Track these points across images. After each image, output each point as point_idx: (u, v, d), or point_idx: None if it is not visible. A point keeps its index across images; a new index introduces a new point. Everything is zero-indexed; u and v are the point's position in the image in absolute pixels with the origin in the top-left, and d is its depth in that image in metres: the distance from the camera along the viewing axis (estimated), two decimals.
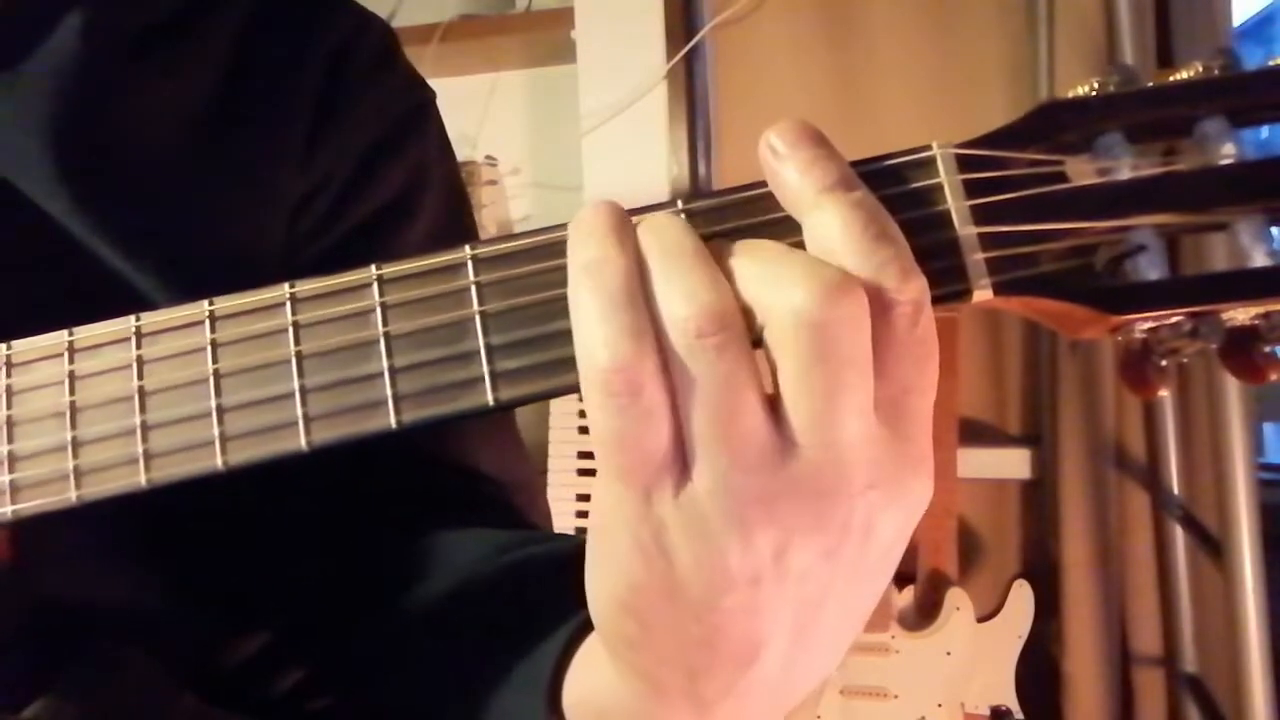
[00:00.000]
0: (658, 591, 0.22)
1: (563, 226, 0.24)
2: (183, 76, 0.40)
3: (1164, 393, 0.22)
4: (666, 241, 0.22)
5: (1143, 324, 0.22)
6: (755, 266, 0.21)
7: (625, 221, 0.22)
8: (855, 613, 0.24)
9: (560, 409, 1.35)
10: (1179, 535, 1.20)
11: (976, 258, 0.22)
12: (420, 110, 0.48)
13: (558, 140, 1.50)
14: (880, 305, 0.20)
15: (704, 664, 0.23)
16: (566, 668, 0.29)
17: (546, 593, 0.32)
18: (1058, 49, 1.24)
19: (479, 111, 1.55)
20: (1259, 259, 0.20)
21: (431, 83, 0.49)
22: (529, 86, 1.57)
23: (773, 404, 0.21)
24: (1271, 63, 0.20)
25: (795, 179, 0.22)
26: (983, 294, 0.22)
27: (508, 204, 1.55)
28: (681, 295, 0.21)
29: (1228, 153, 0.21)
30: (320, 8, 0.45)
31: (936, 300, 0.22)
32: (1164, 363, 0.22)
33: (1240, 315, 0.21)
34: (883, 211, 0.21)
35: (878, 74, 1.34)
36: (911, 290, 0.20)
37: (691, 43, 1.37)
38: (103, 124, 0.38)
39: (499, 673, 0.32)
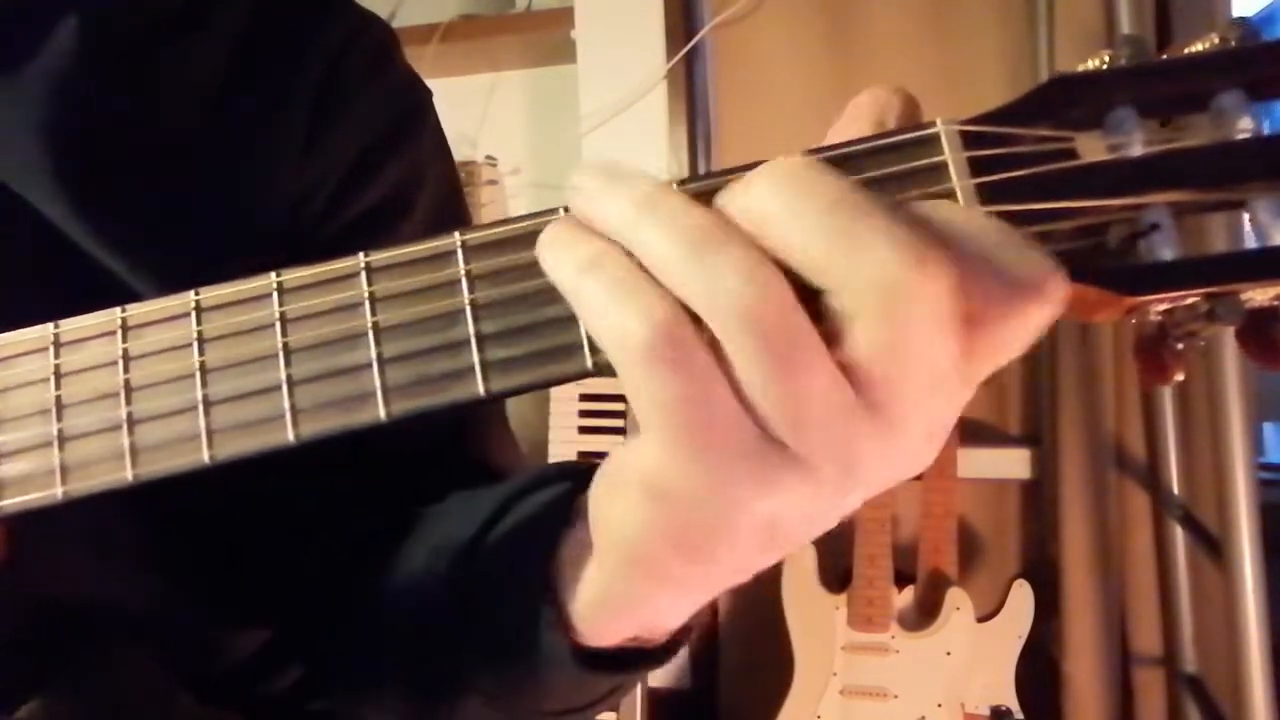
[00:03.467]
0: (729, 534, 0.21)
1: (554, 211, 0.23)
2: (182, 77, 0.40)
3: (1180, 376, 0.22)
4: (684, 224, 0.20)
5: (1158, 306, 0.21)
6: (811, 225, 0.20)
7: (588, 225, 0.22)
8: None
9: (561, 409, 1.35)
10: (1179, 535, 1.20)
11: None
12: (417, 110, 0.48)
13: (558, 140, 1.50)
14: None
15: (745, 565, 0.23)
16: (558, 573, 0.29)
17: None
18: (1058, 48, 1.24)
19: (479, 111, 1.55)
20: (1278, 237, 0.19)
21: (431, 83, 0.49)
22: (529, 86, 1.56)
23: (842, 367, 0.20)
24: None
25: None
26: None
27: (508, 204, 1.55)
28: (728, 268, 0.19)
29: (1245, 127, 0.20)
30: (319, 7, 0.45)
31: None
32: (1180, 346, 0.21)
33: (1260, 296, 0.20)
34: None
35: (878, 74, 1.33)
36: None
37: (691, 43, 1.37)
38: (101, 126, 0.38)
39: (494, 601, 0.32)
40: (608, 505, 0.23)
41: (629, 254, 0.21)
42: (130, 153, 0.39)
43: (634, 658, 0.30)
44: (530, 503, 0.34)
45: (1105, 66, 0.21)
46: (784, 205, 0.20)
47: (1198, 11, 1.07)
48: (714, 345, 0.20)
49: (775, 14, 1.37)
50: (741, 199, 0.21)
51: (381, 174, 0.44)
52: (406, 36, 0.49)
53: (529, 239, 0.23)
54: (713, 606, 1.46)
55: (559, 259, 0.22)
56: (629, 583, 0.25)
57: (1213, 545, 1.04)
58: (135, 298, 0.36)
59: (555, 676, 0.30)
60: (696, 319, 0.20)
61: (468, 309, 0.24)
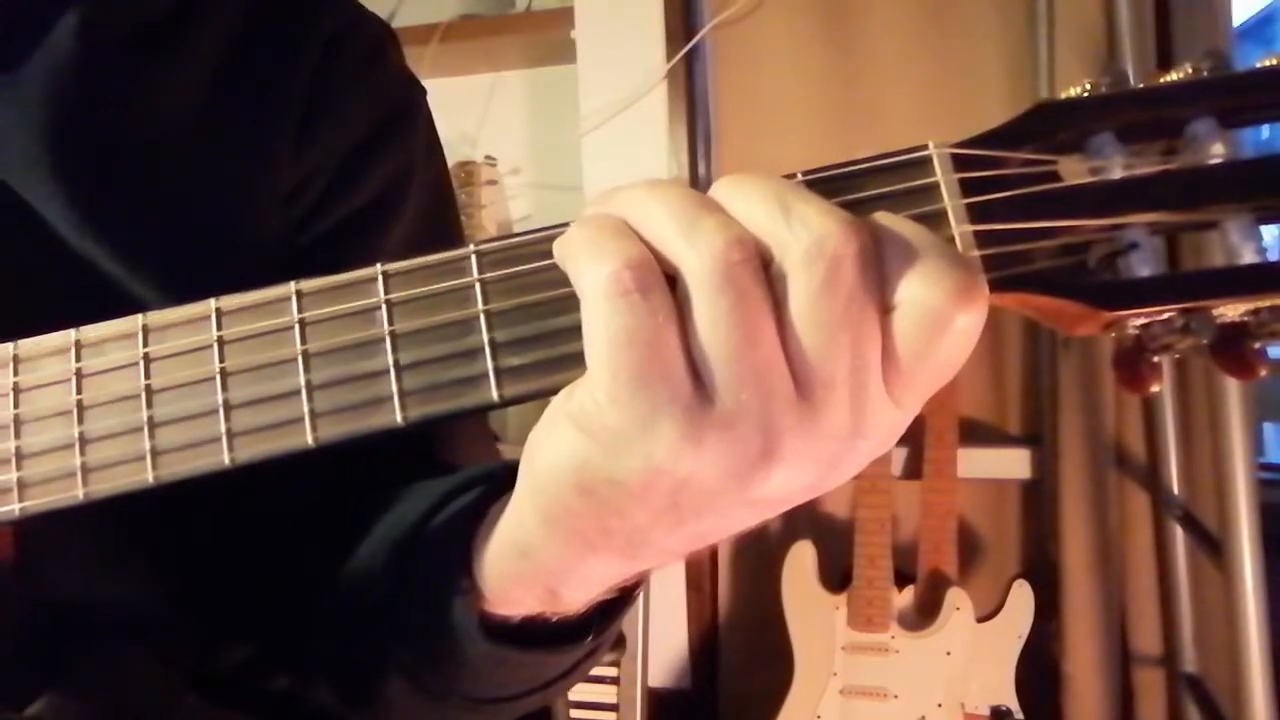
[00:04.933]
0: (640, 488, 0.22)
1: (566, 225, 0.24)
2: (178, 75, 0.41)
3: (1156, 388, 0.22)
4: (677, 194, 0.23)
5: (1135, 320, 0.22)
6: (764, 206, 0.22)
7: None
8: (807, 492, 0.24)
9: None
10: (1179, 535, 1.20)
11: (972, 255, 0.22)
12: (407, 109, 0.48)
13: (558, 140, 1.50)
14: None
15: (646, 537, 0.24)
16: (477, 540, 0.30)
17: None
18: (1058, 50, 1.24)
19: (479, 111, 1.55)
20: (1248, 256, 0.20)
21: (431, 83, 0.50)
22: (529, 86, 1.57)
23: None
24: (1258, 64, 0.21)
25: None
26: None
27: (508, 204, 1.55)
28: (710, 228, 0.21)
29: (1217, 152, 0.21)
30: (313, 3, 0.45)
31: None
32: (1156, 359, 0.22)
33: (1230, 311, 0.21)
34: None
35: (878, 74, 1.34)
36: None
37: (691, 43, 1.37)
38: (99, 126, 0.38)
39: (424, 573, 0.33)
40: (538, 440, 0.24)
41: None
42: (128, 151, 0.39)
43: (540, 635, 0.30)
44: (475, 493, 0.34)
45: (1087, 94, 0.22)
46: (736, 191, 0.23)
47: (1197, 11, 1.07)
48: (679, 300, 0.22)
49: (775, 14, 1.37)
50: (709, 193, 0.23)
51: (372, 173, 0.44)
52: (406, 36, 0.49)
53: (542, 250, 0.24)
54: (713, 607, 1.46)
55: (573, 232, 0.23)
56: (536, 531, 0.26)
57: (1213, 545, 1.04)
58: (133, 296, 0.37)
59: (468, 651, 0.31)
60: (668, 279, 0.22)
61: (482, 317, 0.25)
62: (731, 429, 0.21)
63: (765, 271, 0.21)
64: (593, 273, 0.22)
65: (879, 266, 0.21)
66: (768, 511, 0.24)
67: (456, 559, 0.30)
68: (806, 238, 0.21)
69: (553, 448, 0.23)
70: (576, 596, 0.29)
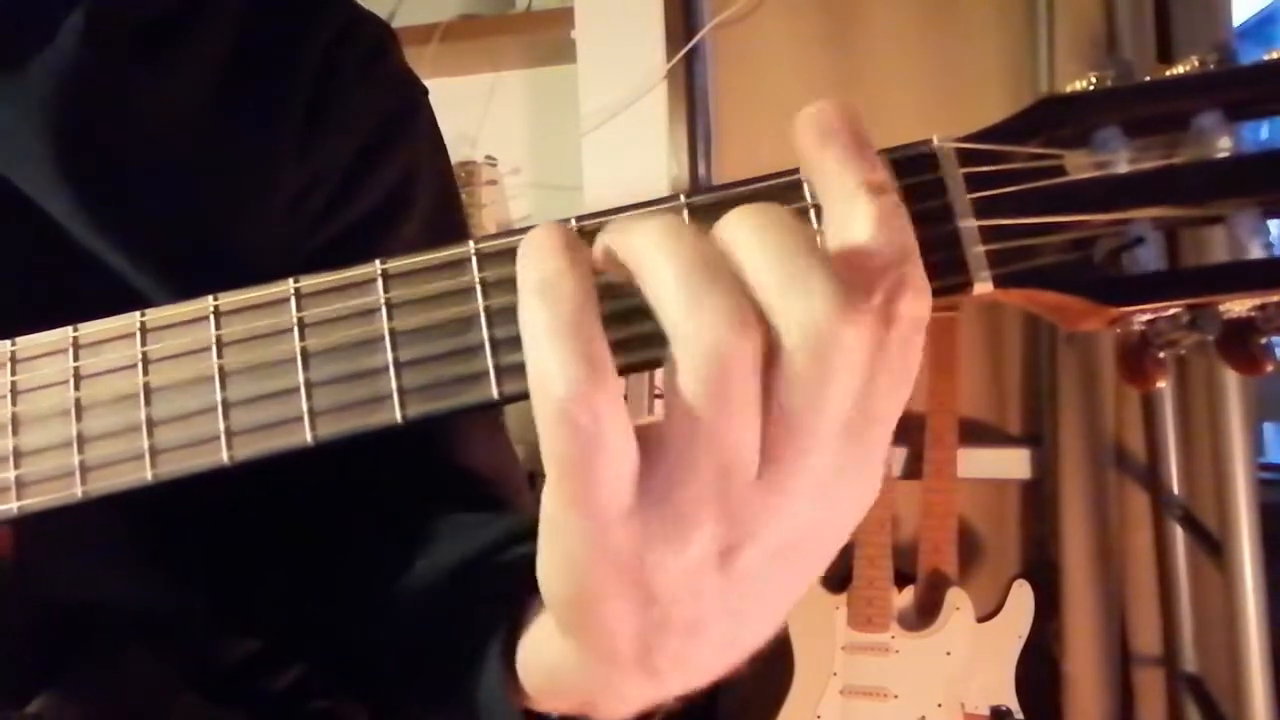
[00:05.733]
0: (615, 594, 0.22)
1: (565, 221, 0.24)
2: (181, 74, 0.41)
3: (1161, 384, 0.22)
4: (685, 251, 0.20)
5: (1141, 316, 0.22)
6: (773, 273, 0.20)
7: (576, 242, 0.22)
8: (804, 584, 0.24)
9: None
10: (1179, 535, 1.20)
11: (977, 250, 0.22)
12: (410, 108, 0.48)
13: (558, 140, 1.50)
14: (885, 318, 0.20)
15: (657, 642, 0.23)
16: (520, 634, 0.29)
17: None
18: (1058, 49, 1.24)
19: (479, 111, 1.55)
20: (1255, 251, 0.20)
21: (431, 83, 0.50)
22: (529, 86, 1.57)
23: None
24: (1267, 57, 0.21)
25: (837, 163, 0.21)
26: (983, 286, 0.22)
27: (508, 204, 1.55)
28: (712, 314, 0.20)
29: (1224, 147, 0.21)
30: (315, 3, 0.45)
31: (938, 292, 0.22)
32: (1162, 355, 0.22)
33: (1237, 307, 0.21)
34: (909, 223, 0.21)
35: (878, 74, 1.34)
36: (920, 309, 0.20)
37: (691, 43, 1.37)
38: (103, 124, 0.39)
39: (460, 651, 0.32)
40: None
41: (591, 283, 0.21)
42: (132, 150, 0.39)
43: None
44: (522, 549, 0.34)
45: (1092, 87, 0.22)
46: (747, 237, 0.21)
47: (1197, 11, 1.07)
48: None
49: (775, 14, 1.37)
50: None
51: (378, 176, 0.44)
52: (406, 36, 0.49)
53: None
54: None
55: (524, 263, 0.21)
56: (560, 646, 0.25)
57: (1213, 545, 1.04)
58: (137, 293, 0.37)
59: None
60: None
61: (481, 315, 0.24)
62: (686, 519, 0.21)
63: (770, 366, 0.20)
64: (540, 374, 0.20)
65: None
66: (777, 602, 0.23)
67: (498, 651, 0.30)
68: (805, 324, 0.20)
69: (540, 561, 0.23)
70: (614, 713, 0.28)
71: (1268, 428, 2.06)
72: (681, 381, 0.20)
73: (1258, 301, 0.21)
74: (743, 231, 0.21)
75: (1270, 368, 0.21)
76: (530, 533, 0.31)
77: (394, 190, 0.45)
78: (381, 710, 0.41)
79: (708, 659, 0.24)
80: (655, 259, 0.21)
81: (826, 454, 0.21)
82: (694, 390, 0.20)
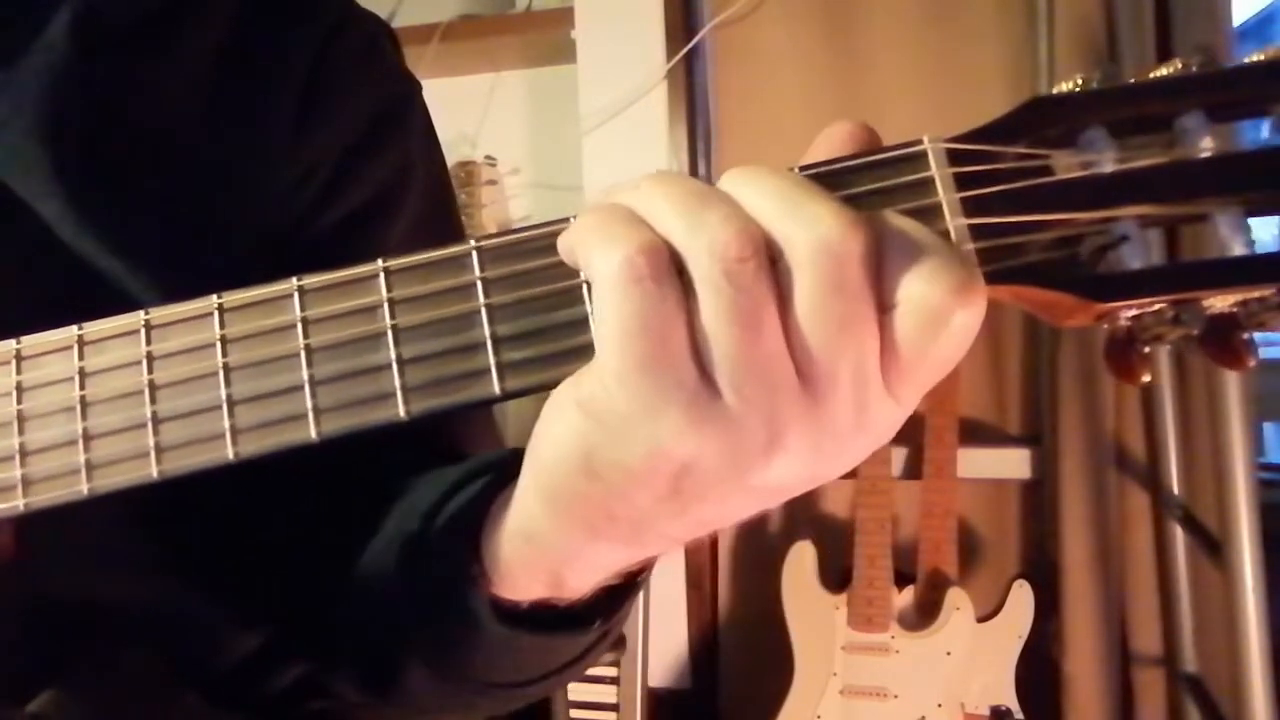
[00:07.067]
0: (644, 472, 0.22)
1: (566, 220, 0.24)
2: (174, 70, 0.40)
3: (1147, 377, 0.23)
4: (684, 186, 0.23)
5: (1127, 311, 0.22)
6: (772, 200, 0.22)
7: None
8: (808, 481, 0.25)
9: None
10: (1179, 535, 1.20)
11: (967, 248, 0.23)
12: (404, 105, 0.48)
13: (558, 140, 1.50)
14: (885, 294, 0.22)
15: (649, 522, 0.24)
16: (488, 512, 0.31)
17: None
18: (1058, 50, 1.24)
19: (479, 111, 1.56)
20: (1237, 248, 0.21)
21: (431, 83, 0.50)
22: (529, 86, 1.57)
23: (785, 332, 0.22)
24: (1246, 60, 0.21)
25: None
26: None
27: (508, 204, 1.55)
28: (716, 221, 0.22)
29: (1206, 146, 0.21)
30: (309, 0, 0.45)
31: None
32: (1148, 349, 0.23)
33: (1220, 303, 0.21)
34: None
35: (878, 74, 1.34)
36: (933, 296, 0.22)
37: (691, 43, 1.38)
38: (96, 122, 0.38)
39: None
40: (544, 425, 0.25)
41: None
42: (125, 148, 0.39)
43: (550, 620, 0.31)
44: (482, 482, 0.35)
45: (1079, 89, 0.22)
46: (745, 183, 0.23)
47: (1197, 11, 1.08)
48: (686, 290, 0.22)
49: (775, 14, 1.37)
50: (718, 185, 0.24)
51: (368, 171, 0.44)
52: (406, 36, 0.49)
53: (542, 245, 0.25)
54: (713, 607, 1.46)
55: (583, 221, 0.23)
56: (542, 517, 0.26)
57: (1213, 545, 1.04)
58: (131, 292, 0.37)
59: (481, 635, 0.31)
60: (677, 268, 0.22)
61: (483, 312, 0.25)
62: (735, 419, 0.22)
63: (772, 266, 0.22)
64: (605, 259, 0.22)
65: (881, 264, 0.22)
66: (767, 500, 0.24)
67: (466, 546, 0.31)
68: (813, 234, 0.21)
69: (559, 434, 0.24)
70: (581, 582, 0.29)
71: (1268, 428, 2.06)
72: (700, 290, 0.21)
73: (1240, 297, 0.21)
74: (734, 181, 0.23)
75: (1253, 362, 0.21)
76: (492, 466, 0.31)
77: (387, 185, 0.45)
78: (382, 682, 0.41)
79: (689, 530, 0.25)
80: (653, 191, 0.23)
81: (840, 403, 0.22)
82: (716, 284, 0.21)
